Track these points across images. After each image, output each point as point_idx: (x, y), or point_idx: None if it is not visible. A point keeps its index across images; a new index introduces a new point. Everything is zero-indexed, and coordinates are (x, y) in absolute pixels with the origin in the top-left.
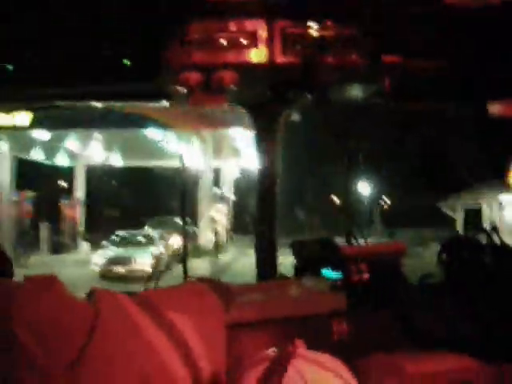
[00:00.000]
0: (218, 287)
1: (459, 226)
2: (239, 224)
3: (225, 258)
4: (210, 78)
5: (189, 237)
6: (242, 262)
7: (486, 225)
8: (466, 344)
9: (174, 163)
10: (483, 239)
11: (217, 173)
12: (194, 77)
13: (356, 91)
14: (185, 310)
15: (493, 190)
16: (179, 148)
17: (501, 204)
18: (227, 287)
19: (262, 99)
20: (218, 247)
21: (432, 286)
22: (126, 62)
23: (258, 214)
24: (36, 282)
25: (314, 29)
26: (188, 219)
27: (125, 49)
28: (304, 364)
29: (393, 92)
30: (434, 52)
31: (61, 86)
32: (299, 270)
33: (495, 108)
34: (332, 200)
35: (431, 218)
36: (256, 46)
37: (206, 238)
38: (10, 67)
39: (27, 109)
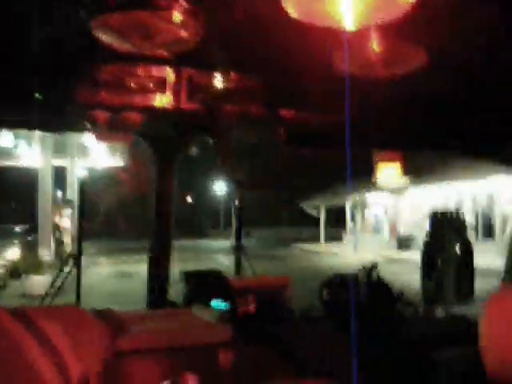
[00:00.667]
0: (105, 315)
1: (321, 224)
2: (87, 229)
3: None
4: (116, 118)
5: (28, 248)
6: (91, 274)
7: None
8: (342, 375)
9: (12, 162)
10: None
11: (60, 173)
12: (102, 116)
13: (253, 135)
14: (62, 328)
15: (358, 189)
16: (15, 144)
17: (364, 203)
18: (118, 316)
19: (165, 136)
20: (62, 259)
21: (313, 318)
22: (37, 95)
23: (153, 242)
24: None
25: (218, 79)
26: (25, 227)
27: (35, 82)
28: None
29: (286, 138)
30: (323, 109)
31: None
32: (188, 299)
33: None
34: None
35: (292, 217)
36: (163, 91)
37: (48, 248)
38: None
39: None
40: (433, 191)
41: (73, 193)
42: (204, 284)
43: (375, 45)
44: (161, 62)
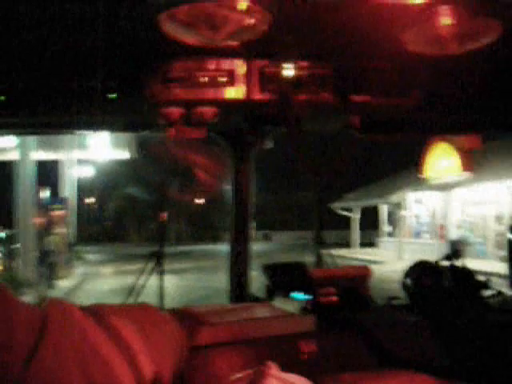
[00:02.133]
0: (181, 312)
1: (354, 226)
2: (88, 232)
3: (64, 284)
4: (190, 113)
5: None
6: (90, 290)
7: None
8: (430, 364)
9: None
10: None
11: (46, 167)
12: (176, 112)
13: (328, 125)
14: (134, 325)
15: (397, 187)
16: None
17: (403, 203)
18: (196, 311)
19: (239, 131)
20: (52, 272)
21: (397, 307)
22: (112, 96)
23: (232, 238)
24: None
25: (288, 68)
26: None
27: (111, 83)
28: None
29: (361, 127)
30: (397, 92)
31: (50, 116)
32: (271, 292)
33: (457, 142)
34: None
35: (321, 219)
36: (234, 83)
37: (30, 258)
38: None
39: None
40: (491, 189)
41: (69, 190)
42: (285, 276)
43: (446, 20)
44: (231, 54)
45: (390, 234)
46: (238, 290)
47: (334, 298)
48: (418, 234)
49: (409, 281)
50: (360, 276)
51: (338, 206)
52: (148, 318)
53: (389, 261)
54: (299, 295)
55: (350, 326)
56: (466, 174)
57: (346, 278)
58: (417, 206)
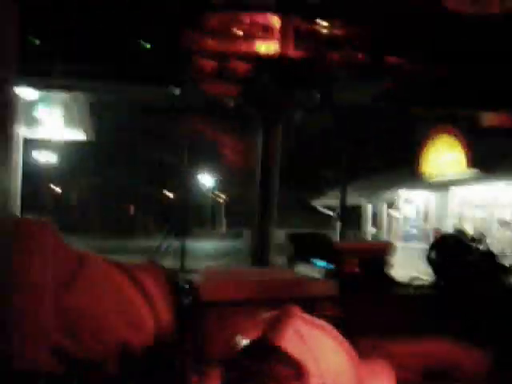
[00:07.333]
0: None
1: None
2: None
3: None
4: (223, 68)
5: None
6: None
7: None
8: (455, 331)
9: None
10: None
11: None
12: (208, 65)
13: (358, 93)
14: (152, 279)
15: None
16: None
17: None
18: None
19: (270, 93)
20: None
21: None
22: (146, 45)
23: (258, 209)
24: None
25: (324, 27)
26: None
27: (145, 39)
28: (301, 323)
29: (392, 93)
30: (433, 58)
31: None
32: (292, 260)
33: (489, 118)
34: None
35: (305, 219)
36: (268, 38)
37: None
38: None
39: None
40: (498, 188)
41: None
42: (308, 245)
43: None
44: (266, 9)
45: (374, 236)
46: (260, 256)
47: (356, 269)
48: (407, 238)
49: (434, 255)
50: (382, 250)
51: (319, 203)
52: (158, 274)
53: None
54: (320, 263)
55: (372, 294)
56: (472, 171)
57: (368, 252)
58: (407, 206)
